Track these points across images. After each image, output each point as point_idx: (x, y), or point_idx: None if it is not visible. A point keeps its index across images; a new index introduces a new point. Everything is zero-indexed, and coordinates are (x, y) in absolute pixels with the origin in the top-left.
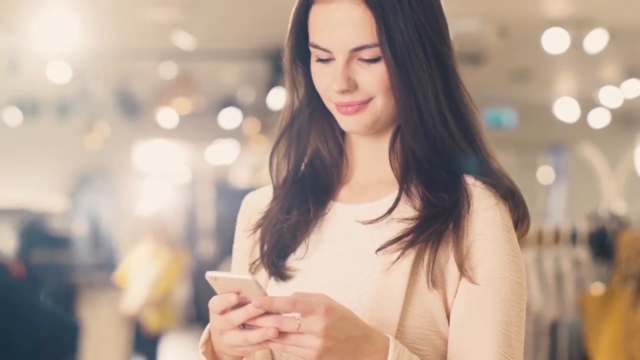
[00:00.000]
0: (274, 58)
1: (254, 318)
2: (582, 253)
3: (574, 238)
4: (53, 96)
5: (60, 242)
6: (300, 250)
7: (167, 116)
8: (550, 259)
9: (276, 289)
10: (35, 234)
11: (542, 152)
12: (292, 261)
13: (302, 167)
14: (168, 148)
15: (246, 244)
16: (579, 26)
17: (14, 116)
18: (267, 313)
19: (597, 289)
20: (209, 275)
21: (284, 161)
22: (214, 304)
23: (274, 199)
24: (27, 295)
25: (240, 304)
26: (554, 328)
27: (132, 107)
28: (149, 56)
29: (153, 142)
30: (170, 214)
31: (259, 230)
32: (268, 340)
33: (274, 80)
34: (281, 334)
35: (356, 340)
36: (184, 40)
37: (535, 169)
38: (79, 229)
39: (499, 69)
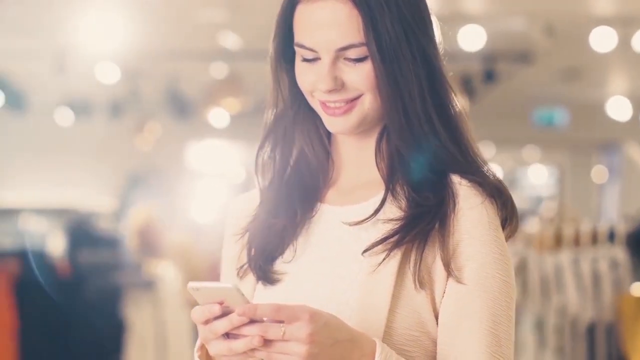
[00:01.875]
0: None
1: (239, 327)
2: (620, 254)
3: (611, 238)
4: (104, 97)
5: (107, 242)
6: (288, 254)
7: (218, 116)
8: (587, 260)
9: (264, 293)
10: (82, 234)
11: (595, 151)
12: (279, 265)
13: (288, 169)
14: (221, 148)
15: (234, 249)
16: (625, 24)
17: (65, 117)
18: (252, 321)
19: (635, 289)
20: (191, 286)
21: (270, 163)
22: (197, 315)
23: (261, 202)
24: (73, 295)
25: (224, 314)
26: (591, 330)
27: (182, 108)
28: (197, 56)
29: (206, 142)
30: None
31: (247, 235)
32: (254, 349)
33: None
34: (266, 342)
35: (343, 345)
36: (231, 41)
37: (589, 169)
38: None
39: (548, 68)
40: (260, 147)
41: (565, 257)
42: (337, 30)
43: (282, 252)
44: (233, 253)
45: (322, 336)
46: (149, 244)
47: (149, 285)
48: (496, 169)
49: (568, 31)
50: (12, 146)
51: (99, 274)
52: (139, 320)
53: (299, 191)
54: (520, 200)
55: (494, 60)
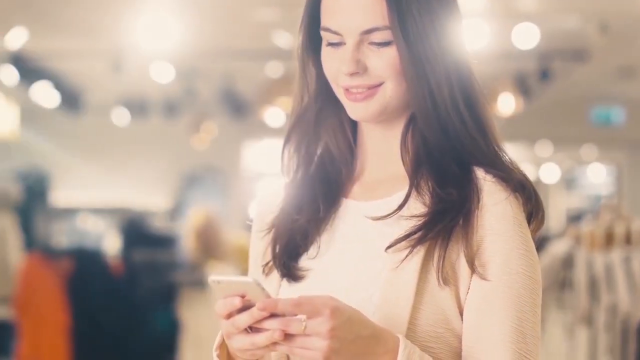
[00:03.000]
0: None
1: (260, 321)
2: None
3: None
4: (160, 96)
5: (161, 241)
6: (312, 250)
7: (274, 115)
8: (638, 259)
9: (288, 290)
10: (136, 232)
11: None
12: (304, 261)
13: (313, 164)
14: (277, 147)
15: (260, 245)
16: None
17: (122, 116)
18: (273, 315)
19: None
20: (212, 279)
21: (295, 157)
22: (219, 308)
23: (285, 197)
24: (126, 294)
25: (245, 307)
26: None
27: (238, 107)
28: (252, 56)
29: (262, 141)
30: None
31: (272, 231)
32: (275, 343)
33: None
34: (288, 337)
35: (365, 340)
36: (285, 40)
37: None
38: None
39: (604, 66)
40: (286, 142)
41: (616, 255)
42: (362, 13)
43: (306, 249)
44: (259, 250)
45: (344, 331)
46: (207, 245)
47: (204, 285)
48: (554, 168)
49: (623, 29)
50: (69, 146)
51: (153, 273)
52: (194, 320)
53: (322, 186)
54: (579, 199)
55: (549, 58)
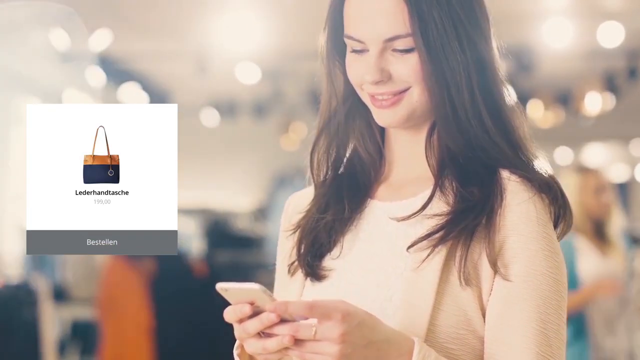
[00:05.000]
0: None
1: (272, 326)
2: None
3: None
4: (248, 97)
5: (245, 242)
6: (336, 250)
7: None
8: None
9: (311, 290)
10: (219, 234)
11: None
12: (327, 261)
13: (342, 166)
14: None
15: (287, 245)
16: None
17: (211, 117)
18: (284, 320)
19: None
20: (219, 286)
21: (324, 159)
22: (229, 315)
23: (314, 198)
24: (210, 295)
25: (255, 313)
26: None
27: None
28: None
29: None
30: None
31: (298, 231)
32: (287, 348)
33: None
34: (298, 342)
35: (377, 345)
36: None
37: None
38: (272, 229)
39: None
40: (316, 143)
41: None
42: (384, 21)
43: (330, 249)
44: (285, 250)
45: (355, 336)
46: None
47: None
48: None
49: None
50: None
51: (237, 274)
52: None
53: (349, 187)
54: None
55: (636, 56)
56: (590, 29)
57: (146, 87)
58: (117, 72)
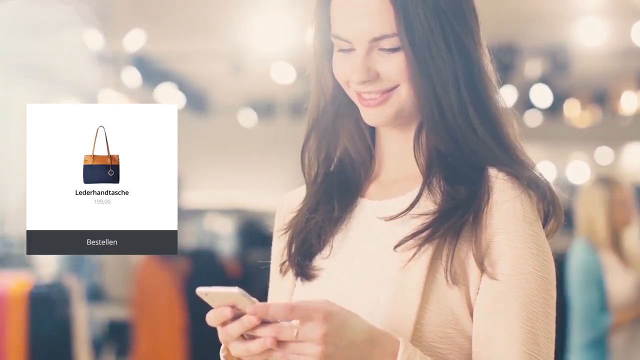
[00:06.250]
0: (496, 55)
1: (254, 328)
2: None
3: None
4: (285, 97)
5: None
6: (326, 249)
7: None
8: None
9: (301, 290)
10: (253, 233)
11: None
12: (317, 260)
13: (332, 165)
14: None
15: (278, 245)
16: None
17: (248, 117)
18: (266, 322)
19: None
20: (199, 291)
21: (315, 158)
22: (211, 319)
23: (305, 197)
24: None
25: (237, 316)
26: None
27: None
28: None
29: None
30: None
31: (290, 231)
32: (270, 349)
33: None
34: (282, 343)
35: (361, 345)
36: None
37: None
38: None
39: None
40: (306, 143)
41: None
42: (370, 21)
43: (320, 248)
44: (277, 249)
45: (337, 337)
46: None
47: None
48: None
49: None
50: (196, 147)
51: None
52: None
53: (339, 186)
54: None
55: None
56: (625, 27)
57: (182, 88)
58: (153, 72)
